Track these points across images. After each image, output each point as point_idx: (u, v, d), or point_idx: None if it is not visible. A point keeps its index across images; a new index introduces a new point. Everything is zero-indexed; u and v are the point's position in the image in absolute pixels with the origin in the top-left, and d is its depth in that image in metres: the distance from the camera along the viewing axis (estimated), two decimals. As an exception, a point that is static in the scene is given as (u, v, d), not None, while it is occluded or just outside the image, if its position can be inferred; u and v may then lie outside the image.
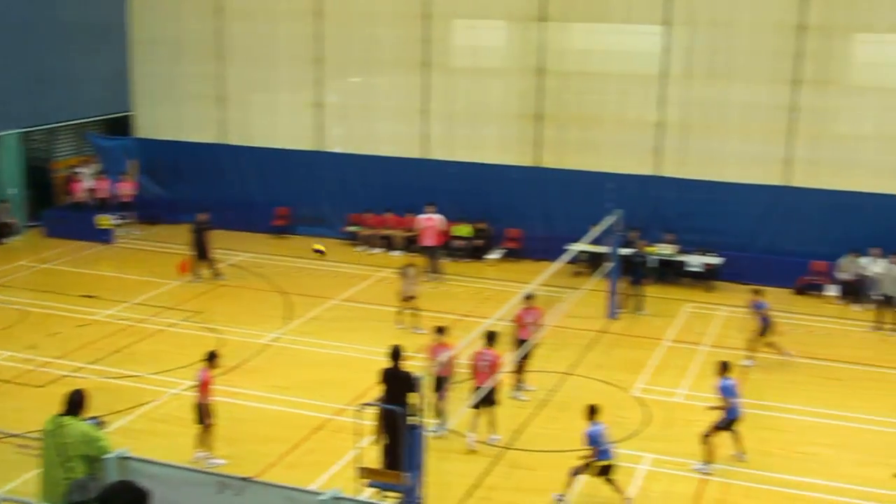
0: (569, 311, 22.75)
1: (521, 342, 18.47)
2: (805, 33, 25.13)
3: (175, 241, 28.15)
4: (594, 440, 14.62)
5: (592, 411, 14.76)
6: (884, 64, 25.51)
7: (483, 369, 16.53)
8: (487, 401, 16.50)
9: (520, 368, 18.76)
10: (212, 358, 15.97)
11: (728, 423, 16.01)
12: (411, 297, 22.33)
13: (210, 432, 15.84)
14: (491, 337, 16.75)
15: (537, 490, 15.33)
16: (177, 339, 21.18)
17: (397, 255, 28.32)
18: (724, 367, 16.07)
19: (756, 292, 20.83)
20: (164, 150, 31.66)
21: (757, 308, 20.54)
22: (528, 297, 18.69)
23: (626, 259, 23.30)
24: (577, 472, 14.83)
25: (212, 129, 31.24)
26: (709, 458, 15.86)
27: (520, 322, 18.55)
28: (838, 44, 25.60)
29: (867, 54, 25.99)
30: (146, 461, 10.37)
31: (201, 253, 25.53)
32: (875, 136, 25.51)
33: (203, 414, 15.75)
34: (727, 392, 15.91)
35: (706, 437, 15.90)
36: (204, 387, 15.73)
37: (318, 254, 23.07)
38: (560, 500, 14.85)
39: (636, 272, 23.72)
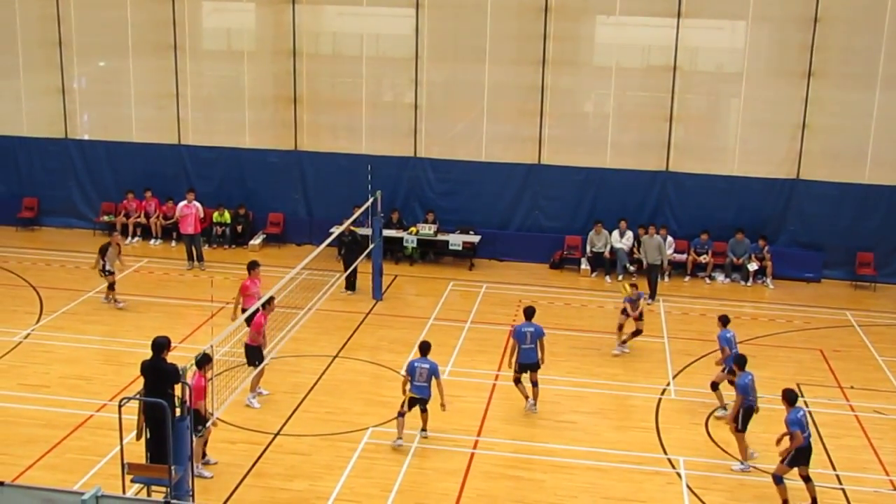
0: (334, 294, 22.83)
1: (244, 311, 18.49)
2: (548, 15, 25.99)
3: None
4: (410, 371, 16.02)
5: (422, 348, 16.26)
6: (621, 45, 26.69)
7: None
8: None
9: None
10: None
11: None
12: (112, 273, 22.32)
13: None
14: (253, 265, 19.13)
15: (309, 475, 15.30)
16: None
17: (156, 245, 27.59)
18: None
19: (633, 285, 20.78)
20: None
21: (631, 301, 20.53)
22: (253, 267, 19.20)
23: (338, 239, 23.17)
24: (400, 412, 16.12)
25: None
26: None
27: (245, 292, 18.80)
28: (579, 26, 26.63)
29: (606, 36, 27.15)
30: None
31: None
32: (616, 114, 26.72)
33: None
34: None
35: None
36: None
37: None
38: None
39: (349, 252, 23.74)
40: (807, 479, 14.69)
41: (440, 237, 26.44)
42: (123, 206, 28.10)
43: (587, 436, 16.89)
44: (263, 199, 28.09)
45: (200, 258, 25.77)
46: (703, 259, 25.72)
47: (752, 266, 25.37)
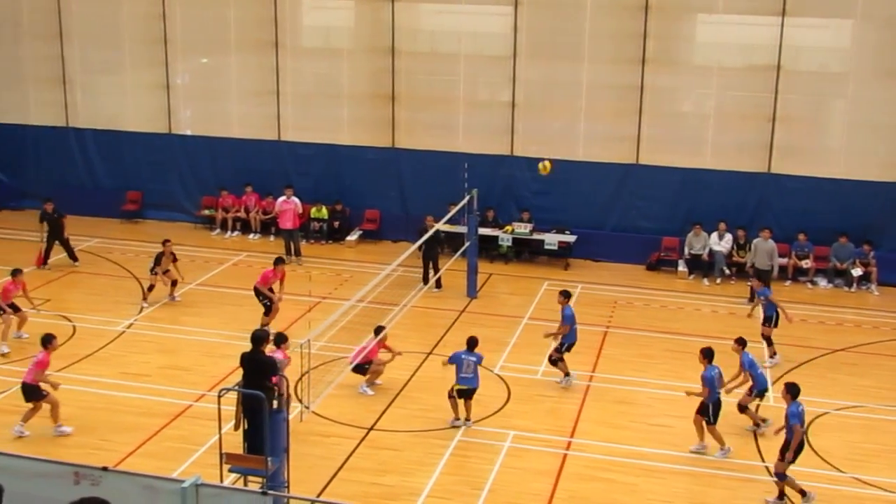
0: (428, 291, 22.89)
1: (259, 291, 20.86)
2: (648, 14, 25.68)
3: (20, 227, 27.22)
4: (456, 362, 16.68)
5: (470, 343, 16.78)
6: (723, 44, 26.23)
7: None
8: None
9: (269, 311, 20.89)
10: (50, 340, 16.39)
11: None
12: (167, 272, 22.64)
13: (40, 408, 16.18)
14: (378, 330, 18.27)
15: (401, 471, 15.38)
16: (27, 328, 20.21)
17: (255, 239, 28.01)
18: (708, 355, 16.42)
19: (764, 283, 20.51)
20: (5, 134, 30.37)
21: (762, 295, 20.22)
22: (279, 263, 21.09)
23: (420, 235, 22.99)
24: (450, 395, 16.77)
25: (56, 112, 30.07)
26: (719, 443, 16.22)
27: (264, 280, 20.85)
28: (680, 24, 26.27)
29: (707, 34, 26.75)
30: (-2, 454, 10.00)
31: (61, 243, 24.98)
32: (717, 114, 26.27)
33: (36, 393, 16.11)
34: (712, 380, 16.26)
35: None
36: (41, 366, 16.11)
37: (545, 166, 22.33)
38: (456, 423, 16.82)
39: (432, 249, 23.70)
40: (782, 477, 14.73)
41: (535, 236, 26.32)
42: (221, 203, 28.59)
43: (681, 440, 16.63)
44: (360, 196, 28.28)
45: (298, 253, 26.09)
46: (805, 264, 25.13)
47: (856, 271, 24.71)
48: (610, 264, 26.34)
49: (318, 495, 14.34)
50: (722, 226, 25.40)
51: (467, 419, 16.79)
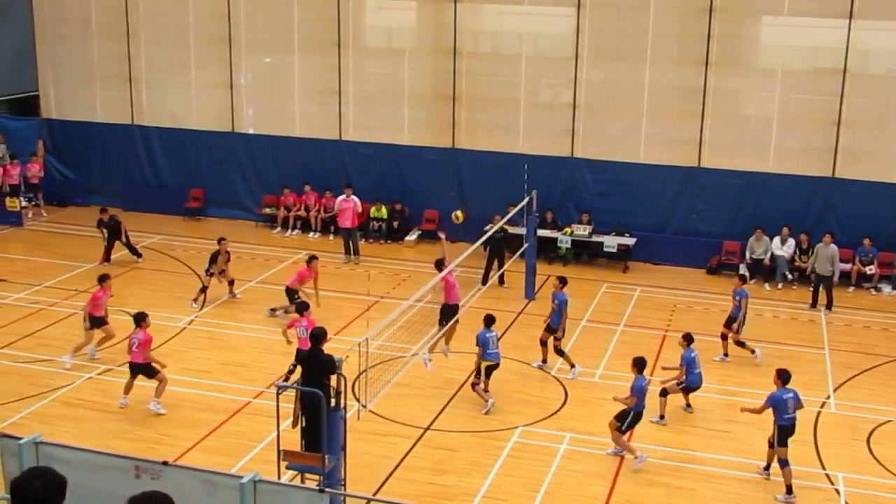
0: (486, 292, 22.87)
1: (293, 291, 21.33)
2: (712, 16, 25.43)
3: (85, 223, 27.64)
4: (482, 343, 17.39)
5: (487, 321, 17.72)
6: (788, 46, 25.92)
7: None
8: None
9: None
10: (143, 318, 17.06)
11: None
12: (223, 272, 22.79)
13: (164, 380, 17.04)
14: (439, 263, 19.58)
15: (457, 471, 15.40)
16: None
17: (314, 237, 28.18)
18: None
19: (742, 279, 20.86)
20: (72, 131, 30.96)
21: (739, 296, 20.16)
22: (312, 259, 21.71)
23: (490, 236, 23.00)
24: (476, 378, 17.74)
25: (122, 109, 30.53)
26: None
27: (300, 279, 21.47)
28: (744, 26, 26.00)
29: (772, 37, 26.43)
30: (61, 446, 10.17)
31: (122, 243, 25.44)
32: (781, 117, 25.96)
33: (149, 370, 16.93)
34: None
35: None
36: (147, 344, 16.87)
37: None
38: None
39: (499, 248, 23.82)
40: (784, 463, 14.94)
41: (595, 238, 26.20)
42: (282, 201, 28.82)
43: (740, 446, 16.48)
44: (419, 196, 28.35)
45: (357, 252, 26.23)
46: (869, 270, 24.70)
47: (923, 278, 24.30)
48: (669, 267, 26.13)
49: (375, 494, 14.42)
50: (785, 230, 25.08)
51: (486, 390, 17.63)
